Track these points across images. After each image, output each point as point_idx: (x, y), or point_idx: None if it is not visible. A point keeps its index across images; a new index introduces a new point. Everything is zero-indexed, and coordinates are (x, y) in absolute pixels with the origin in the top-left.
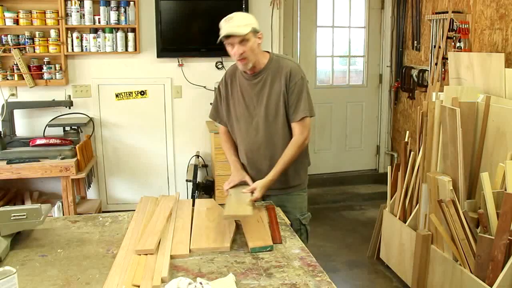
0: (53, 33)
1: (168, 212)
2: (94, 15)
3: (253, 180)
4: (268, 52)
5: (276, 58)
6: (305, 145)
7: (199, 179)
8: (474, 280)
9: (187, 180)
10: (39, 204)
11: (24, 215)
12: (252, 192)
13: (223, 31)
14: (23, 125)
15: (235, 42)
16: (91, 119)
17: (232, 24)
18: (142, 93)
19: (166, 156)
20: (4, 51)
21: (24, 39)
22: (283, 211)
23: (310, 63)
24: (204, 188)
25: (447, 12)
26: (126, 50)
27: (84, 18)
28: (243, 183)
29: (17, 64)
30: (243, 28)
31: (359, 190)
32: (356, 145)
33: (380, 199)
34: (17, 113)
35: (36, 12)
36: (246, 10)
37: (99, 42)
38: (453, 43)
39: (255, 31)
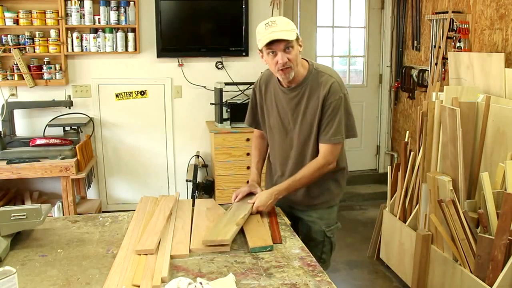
0: (53, 33)
1: (168, 212)
2: (94, 15)
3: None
4: (306, 60)
5: (316, 71)
6: (327, 170)
7: (199, 179)
8: (474, 280)
9: (187, 180)
10: (39, 204)
11: (24, 215)
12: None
13: (269, 37)
14: (23, 125)
15: (280, 49)
16: (91, 119)
17: (277, 28)
18: (142, 93)
19: (166, 156)
20: (4, 51)
21: (24, 39)
22: (308, 221)
23: None
24: (204, 188)
25: (447, 12)
26: (126, 50)
27: (84, 18)
28: (251, 194)
29: (17, 64)
30: (289, 33)
31: (359, 190)
32: (356, 145)
33: (380, 199)
34: (17, 113)
35: (36, 12)
36: (246, 10)
37: (99, 42)
38: (453, 43)
39: (298, 38)
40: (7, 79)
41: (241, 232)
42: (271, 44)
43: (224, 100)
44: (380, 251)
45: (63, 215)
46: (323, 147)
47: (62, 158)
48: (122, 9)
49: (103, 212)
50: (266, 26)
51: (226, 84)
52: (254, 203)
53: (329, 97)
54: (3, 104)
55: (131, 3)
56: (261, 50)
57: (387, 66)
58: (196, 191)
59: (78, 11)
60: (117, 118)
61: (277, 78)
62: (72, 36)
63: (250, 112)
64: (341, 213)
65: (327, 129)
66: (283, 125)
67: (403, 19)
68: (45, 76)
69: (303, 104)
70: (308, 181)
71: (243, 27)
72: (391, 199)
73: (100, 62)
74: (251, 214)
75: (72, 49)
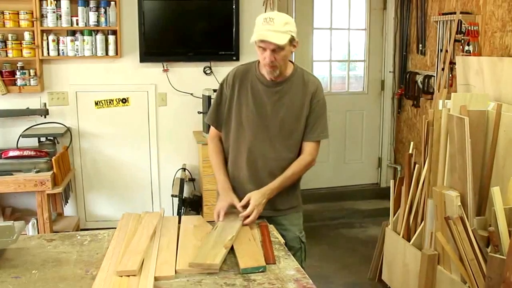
0: (27, 35)
1: (152, 230)
2: (71, 16)
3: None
4: (292, 62)
5: (301, 71)
6: (311, 166)
7: (185, 194)
8: None
9: (172, 195)
10: (12, 221)
11: None
12: (247, 217)
13: (260, 35)
14: None
15: (269, 48)
16: (68, 129)
17: (272, 27)
18: (124, 100)
19: (149, 169)
20: None
21: None
22: (281, 230)
23: (306, 68)
24: (191, 204)
25: (454, 13)
26: (107, 54)
27: (60, 19)
28: (235, 210)
29: None
30: (281, 36)
31: (359, 206)
32: (356, 158)
33: (382, 215)
34: None
35: (9, 13)
36: (237, 10)
37: (77, 45)
38: (461, 47)
39: (292, 39)
40: None
41: (232, 251)
42: (262, 41)
43: None
44: (382, 273)
45: (38, 233)
46: (309, 145)
47: (37, 172)
48: (102, 10)
49: (82, 230)
50: (264, 22)
51: (215, 91)
52: (247, 215)
53: (317, 96)
54: None
55: (112, 3)
56: (254, 43)
57: (389, 72)
58: (183, 207)
59: (54, 12)
60: (97, 128)
61: (258, 72)
62: (48, 39)
63: (215, 109)
64: (339, 231)
65: (315, 127)
66: (260, 118)
67: (407, 20)
68: (19, 82)
69: (286, 98)
70: (297, 178)
71: (234, 29)
72: (394, 215)
73: (78, 67)
74: (244, 225)
75: (48, 53)
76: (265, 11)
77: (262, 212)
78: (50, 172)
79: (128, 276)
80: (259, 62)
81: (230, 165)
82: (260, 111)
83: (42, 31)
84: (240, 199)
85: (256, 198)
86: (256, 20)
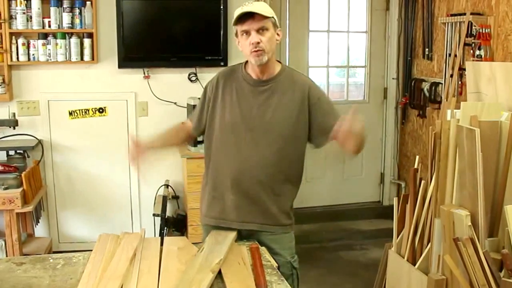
0: None
1: (131, 253)
2: (43, 18)
3: (231, 210)
4: (279, 61)
5: (289, 70)
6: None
7: (168, 213)
8: None
9: (154, 215)
10: None
11: None
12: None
13: (243, 9)
14: None
15: (253, 28)
16: (39, 142)
17: (253, 6)
18: (101, 110)
19: (129, 185)
20: None
21: None
22: (270, 254)
23: None
24: (174, 223)
25: (464, 14)
26: (82, 59)
27: (31, 21)
28: (222, 231)
29: None
30: (266, 10)
31: (360, 226)
32: (356, 173)
33: (384, 237)
34: None
35: None
36: (225, 12)
37: (49, 49)
38: (471, 51)
39: (275, 24)
40: None
41: (219, 275)
42: (244, 20)
43: None
44: None
45: (7, 255)
46: None
47: (5, 188)
48: (77, 11)
49: (54, 252)
50: (243, 6)
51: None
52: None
53: (312, 96)
54: None
55: (88, 3)
56: (236, 35)
57: (393, 79)
58: (165, 228)
59: (24, 13)
60: (71, 141)
61: (244, 71)
62: (17, 42)
63: (198, 114)
64: (338, 253)
65: (333, 114)
66: (244, 121)
67: (412, 22)
68: None
69: (274, 99)
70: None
71: (221, 32)
72: (397, 237)
73: (51, 74)
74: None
75: (17, 58)
76: None
77: (248, 225)
78: (20, 189)
79: None
80: (246, 62)
81: (212, 172)
82: (246, 112)
83: (11, 34)
84: (222, 214)
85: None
86: (234, 13)
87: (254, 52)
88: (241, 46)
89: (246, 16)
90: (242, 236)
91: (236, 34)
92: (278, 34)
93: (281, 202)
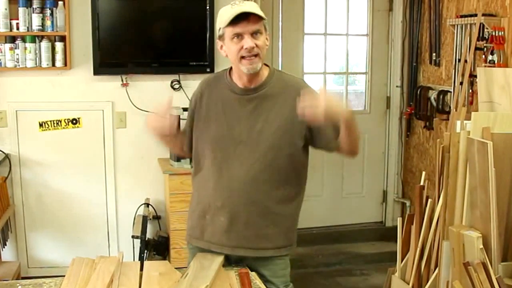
0: None
1: (108, 278)
2: (11, 19)
3: (221, 234)
4: (267, 65)
5: (278, 73)
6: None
7: (149, 235)
8: None
9: (133, 236)
10: None
11: None
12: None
13: (236, 10)
14: None
15: (247, 31)
16: (6, 156)
17: (246, 6)
18: (74, 121)
19: (105, 204)
20: None
21: None
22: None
23: None
24: (155, 246)
25: (475, 15)
26: (53, 65)
27: None
28: (208, 254)
29: None
30: (261, 13)
31: (360, 250)
32: (356, 191)
33: (387, 261)
34: None
35: None
36: (211, 13)
37: (17, 54)
38: (483, 56)
39: (266, 27)
40: None
41: None
42: (237, 22)
43: (182, 130)
44: None
45: None
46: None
47: None
48: (48, 11)
49: (23, 278)
50: (232, 5)
51: (185, 109)
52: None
53: (307, 92)
54: None
55: (60, 3)
56: (221, 37)
57: (396, 86)
58: (146, 251)
59: None
60: (42, 155)
61: (229, 79)
62: None
63: (188, 128)
64: (336, 279)
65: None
66: (231, 134)
67: (417, 24)
68: None
69: (264, 107)
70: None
71: (207, 35)
72: (402, 261)
73: (19, 81)
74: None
75: None
76: None
77: (240, 251)
78: None
79: None
80: (230, 68)
81: (200, 192)
82: (233, 125)
83: None
84: (212, 237)
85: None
86: (220, 12)
87: (248, 58)
88: (227, 51)
89: (240, 17)
90: (231, 261)
91: (221, 37)
92: (267, 39)
93: (278, 221)
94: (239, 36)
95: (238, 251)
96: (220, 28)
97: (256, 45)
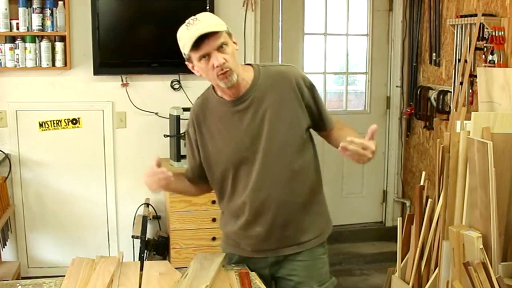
0: None
1: (108, 278)
2: (11, 19)
3: (262, 242)
4: (249, 64)
5: (264, 69)
6: None
7: (149, 235)
8: None
9: (133, 236)
10: None
11: None
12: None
13: (194, 34)
14: None
15: (212, 48)
16: (6, 156)
17: (201, 24)
18: (74, 121)
19: (105, 204)
20: None
21: None
22: (292, 284)
23: None
24: (155, 246)
25: (475, 15)
26: (53, 65)
27: None
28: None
29: None
30: (217, 25)
31: (360, 249)
32: (356, 191)
33: (387, 261)
34: None
35: None
36: (211, 10)
37: (17, 54)
38: (483, 56)
39: (229, 33)
40: None
41: None
42: (199, 45)
43: (182, 131)
44: None
45: None
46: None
47: None
48: (48, 11)
49: (23, 278)
50: (187, 26)
51: (185, 109)
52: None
53: (300, 83)
54: None
55: (60, 3)
56: (189, 60)
57: (396, 86)
58: (146, 251)
59: None
60: (42, 155)
61: (216, 96)
62: None
63: (191, 162)
64: (336, 279)
65: (325, 113)
66: (244, 153)
67: (417, 24)
68: None
69: (261, 108)
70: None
71: None
72: (402, 261)
73: (19, 81)
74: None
75: None
76: (246, 13)
77: (282, 251)
78: None
79: None
80: (213, 85)
81: (229, 213)
82: (238, 138)
83: None
84: (251, 249)
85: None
86: (178, 35)
87: (222, 74)
88: (200, 71)
89: (200, 38)
90: (269, 264)
91: (189, 60)
92: (235, 43)
93: (311, 211)
94: (206, 56)
95: (282, 251)
96: (184, 53)
97: (225, 59)
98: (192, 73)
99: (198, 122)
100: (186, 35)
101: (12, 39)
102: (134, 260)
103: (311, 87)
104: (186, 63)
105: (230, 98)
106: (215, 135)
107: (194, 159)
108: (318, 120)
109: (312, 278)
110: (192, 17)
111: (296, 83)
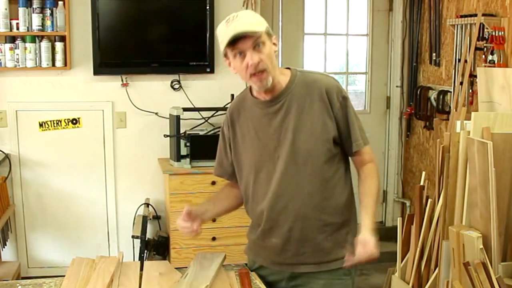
0: None
1: (108, 278)
2: (11, 19)
3: (277, 254)
4: (288, 68)
5: (301, 75)
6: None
7: (149, 235)
8: None
9: (133, 236)
10: None
11: None
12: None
13: (231, 32)
14: None
15: (247, 47)
16: (6, 156)
17: (240, 22)
18: (74, 121)
19: (105, 204)
20: None
21: None
22: None
23: None
24: (155, 246)
25: (475, 15)
26: (53, 65)
27: None
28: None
29: None
30: (257, 25)
31: None
32: (356, 191)
33: (387, 261)
34: None
35: None
36: (211, 13)
37: (17, 54)
38: (483, 56)
39: (269, 33)
40: None
41: None
42: (235, 42)
43: (182, 131)
44: None
45: None
46: (364, 152)
47: None
48: (48, 11)
49: (23, 278)
50: (227, 22)
51: (185, 110)
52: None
53: (332, 95)
54: None
55: (60, 3)
56: (226, 56)
57: (396, 86)
58: (146, 251)
59: None
60: (42, 155)
61: (251, 95)
62: None
63: (222, 158)
64: None
65: (353, 132)
66: (269, 154)
67: (417, 24)
68: None
69: (292, 115)
70: (378, 193)
71: (207, 35)
72: (402, 261)
73: (19, 81)
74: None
75: None
76: None
77: (300, 267)
78: None
79: None
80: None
81: (252, 223)
82: (266, 142)
83: None
84: (268, 258)
85: (367, 238)
86: (217, 31)
87: (255, 76)
88: (235, 69)
89: (237, 36)
90: (286, 277)
91: (226, 55)
92: (275, 44)
93: (335, 232)
94: (241, 53)
95: (298, 268)
96: (222, 48)
97: (261, 59)
98: (193, 72)
99: (232, 121)
100: (224, 32)
101: (12, 39)
102: (134, 260)
103: (345, 101)
104: (224, 58)
105: (263, 99)
106: (246, 136)
107: (227, 158)
108: (346, 138)
109: None
110: (233, 14)
111: (327, 94)
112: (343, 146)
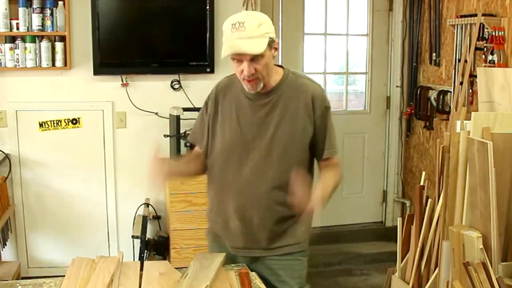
0: None
1: (108, 278)
2: (10, 19)
3: (236, 237)
4: (281, 67)
5: (293, 76)
6: (340, 180)
7: (149, 235)
8: None
9: (133, 236)
10: None
11: None
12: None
13: (231, 46)
14: None
15: (246, 59)
16: (6, 156)
17: (243, 34)
18: (74, 121)
19: (105, 204)
20: None
21: None
22: (274, 282)
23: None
24: (155, 246)
25: (475, 15)
26: (53, 65)
27: None
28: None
29: None
30: (258, 42)
31: (360, 249)
32: (356, 191)
33: (387, 261)
34: None
35: None
36: (211, 13)
37: (17, 54)
38: (483, 56)
39: (271, 42)
40: None
41: None
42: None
43: (182, 130)
44: None
45: None
46: (334, 159)
47: None
48: (48, 11)
49: (23, 278)
50: (233, 28)
51: (185, 109)
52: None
53: (316, 102)
54: None
55: (60, 3)
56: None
57: (396, 86)
58: (146, 251)
59: None
60: (42, 155)
61: (241, 85)
62: None
63: (199, 127)
64: (336, 279)
65: (328, 140)
66: (244, 141)
67: (417, 24)
68: None
69: (276, 112)
70: (336, 185)
71: (207, 35)
72: (402, 261)
73: (19, 81)
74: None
75: None
76: None
77: (255, 252)
78: None
79: None
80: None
81: (213, 199)
82: (245, 131)
83: None
84: (228, 244)
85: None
86: (223, 27)
87: (248, 81)
88: (232, 67)
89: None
90: (246, 261)
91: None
92: (275, 48)
93: (292, 225)
94: (238, 60)
95: (254, 253)
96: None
97: (256, 70)
98: (192, 72)
99: (216, 99)
100: (227, 36)
101: (12, 39)
102: (134, 260)
103: (326, 110)
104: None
105: (251, 92)
106: (226, 118)
107: (202, 131)
108: (320, 144)
109: (293, 278)
110: (240, 19)
111: (313, 100)
112: (315, 151)
